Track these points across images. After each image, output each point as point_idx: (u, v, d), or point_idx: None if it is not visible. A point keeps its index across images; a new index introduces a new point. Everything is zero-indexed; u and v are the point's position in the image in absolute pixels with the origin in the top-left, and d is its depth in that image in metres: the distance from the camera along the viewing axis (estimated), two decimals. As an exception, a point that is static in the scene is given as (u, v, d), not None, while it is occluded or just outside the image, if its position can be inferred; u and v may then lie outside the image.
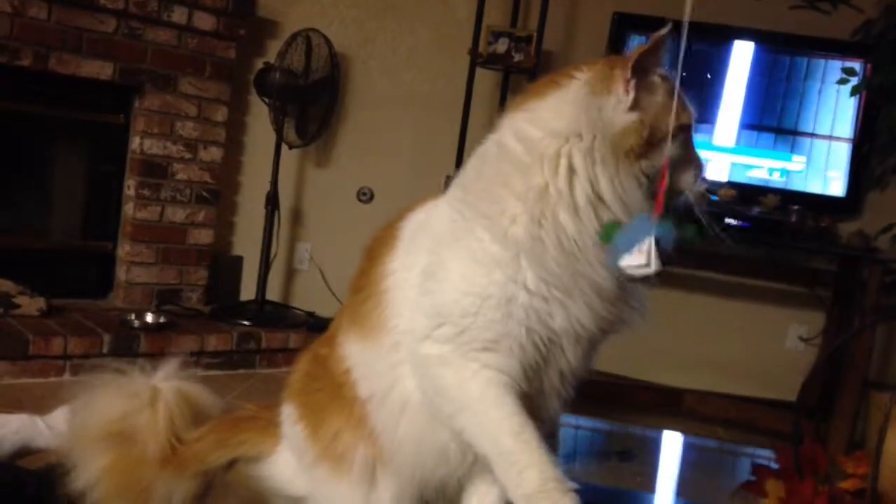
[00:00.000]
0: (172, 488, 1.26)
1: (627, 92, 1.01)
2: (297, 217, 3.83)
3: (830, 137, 3.58)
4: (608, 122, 1.00)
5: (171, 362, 1.36)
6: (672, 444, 1.96)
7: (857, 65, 3.41)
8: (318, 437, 1.16)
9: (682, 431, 2.13)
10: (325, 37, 3.50)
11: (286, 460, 1.23)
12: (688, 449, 1.94)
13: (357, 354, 1.11)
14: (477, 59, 3.55)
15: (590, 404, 3.12)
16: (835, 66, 3.52)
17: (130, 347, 2.97)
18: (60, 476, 1.43)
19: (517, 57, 3.55)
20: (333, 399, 1.13)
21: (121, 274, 3.41)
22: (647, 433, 2.07)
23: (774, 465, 1.27)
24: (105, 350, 2.91)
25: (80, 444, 1.27)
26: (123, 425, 1.27)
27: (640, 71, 1.02)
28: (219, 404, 1.37)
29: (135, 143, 3.36)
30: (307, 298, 3.74)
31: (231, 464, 1.30)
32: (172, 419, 1.28)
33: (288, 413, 1.22)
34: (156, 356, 3.02)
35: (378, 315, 1.08)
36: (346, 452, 1.12)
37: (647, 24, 3.69)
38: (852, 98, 3.45)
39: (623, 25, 3.67)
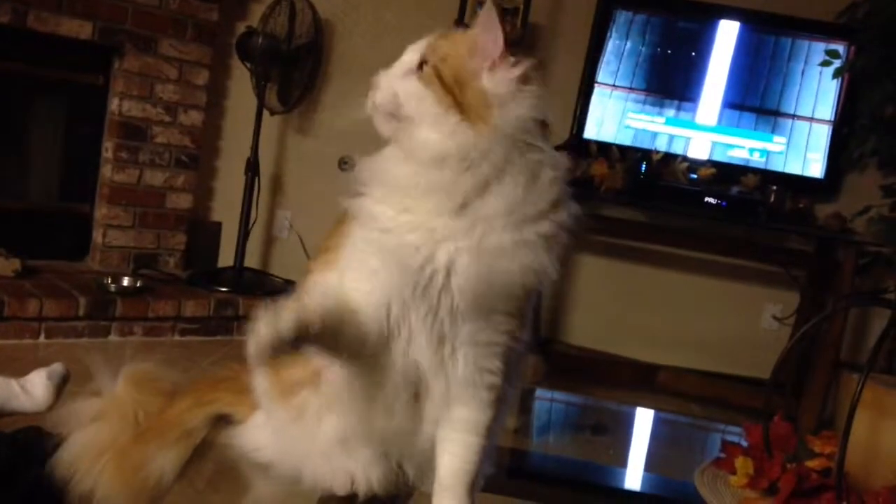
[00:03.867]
0: (163, 462, 1.26)
1: None
2: (277, 184, 3.80)
3: (811, 119, 3.60)
4: None
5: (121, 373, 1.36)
6: (645, 419, 1.98)
7: (840, 47, 3.42)
8: (277, 380, 1.18)
9: (657, 407, 2.16)
10: (309, 2, 3.46)
11: (259, 425, 1.24)
12: (660, 424, 1.97)
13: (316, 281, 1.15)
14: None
15: (565, 378, 3.16)
16: (818, 48, 3.53)
17: (106, 311, 2.95)
18: (35, 440, 1.43)
19: (503, 28, 3.52)
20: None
21: (97, 237, 3.37)
22: (621, 408, 2.10)
23: (744, 443, 1.29)
24: (80, 313, 2.89)
25: (85, 477, 1.26)
26: (103, 439, 1.27)
27: None
28: (170, 372, 1.39)
29: (114, 104, 3.31)
30: (286, 266, 3.73)
31: (214, 424, 1.30)
32: (138, 403, 1.30)
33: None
34: (132, 320, 3.02)
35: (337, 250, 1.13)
36: (299, 390, 1.15)
37: (633, 0, 3.68)
38: (834, 80, 3.47)
39: (610, 0, 3.66)
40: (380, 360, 1.05)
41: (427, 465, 1.16)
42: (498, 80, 1.01)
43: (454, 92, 1.00)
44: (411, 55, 1.07)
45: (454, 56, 1.04)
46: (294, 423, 1.15)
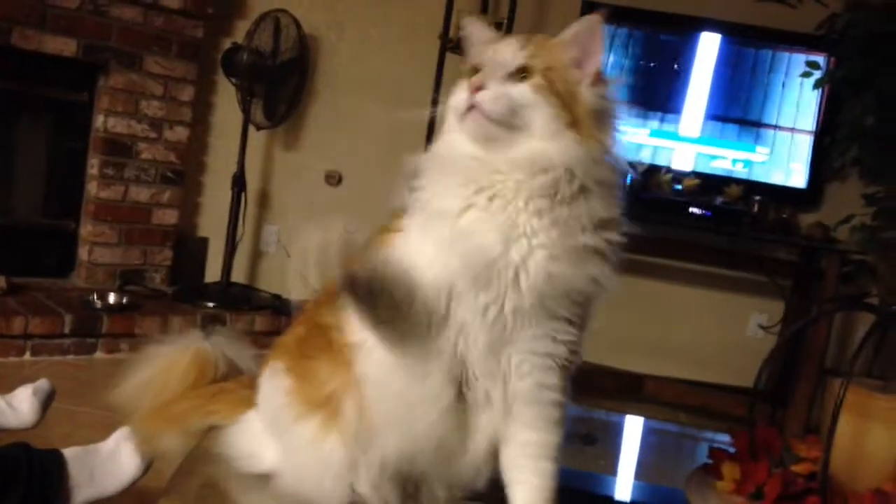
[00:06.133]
0: (171, 441, 1.31)
1: None
2: (264, 199, 3.80)
3: (793, 130, 3.64)
4: None
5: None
6: (634, 429, 1.99)
7: (820, 58, 3.47)
8: (305, 386, 1.12)
9: (644, 416, 2.17)
10: (294, 18, 3.48)
11: (256, 432, 1.22)
12: (649, 433, 1.97)
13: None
14: (447, 44, 3.55)
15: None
16: (799, 60, 3.57)
17: (93, 328, 2.94)
18: (21, 456, 1.43)
19: (487, 43, 3.55)
20: (327, 349, 1.11)
21: (83, 253, 3.36)
22: (610, 417, 2.10)
23: (732, 450, 1.30)
24: (66, 330, 2.88)
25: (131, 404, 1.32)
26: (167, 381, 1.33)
27: None
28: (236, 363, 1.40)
29: (99, 121, 3.31)
30: (274, 281, 3.73)
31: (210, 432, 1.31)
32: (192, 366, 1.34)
33: (274, 368, 1.18)
34: (118, 337, 3.01)
35: None
36: (336, 403, 1.08)
37: (615, 14, 3.70)
38: (815, 91, 3.51)
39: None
40: (426, 346, 1.00)
41: (461, 485, 1.10)
42: (596, 95, 1.00)
43: (570, 106, 0.98)
44: (508, 58, 1.00)
45: (559, 68, 1.00)
46: (304, 445, 1.10)
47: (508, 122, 0.98)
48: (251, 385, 1.26)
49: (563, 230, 0.98)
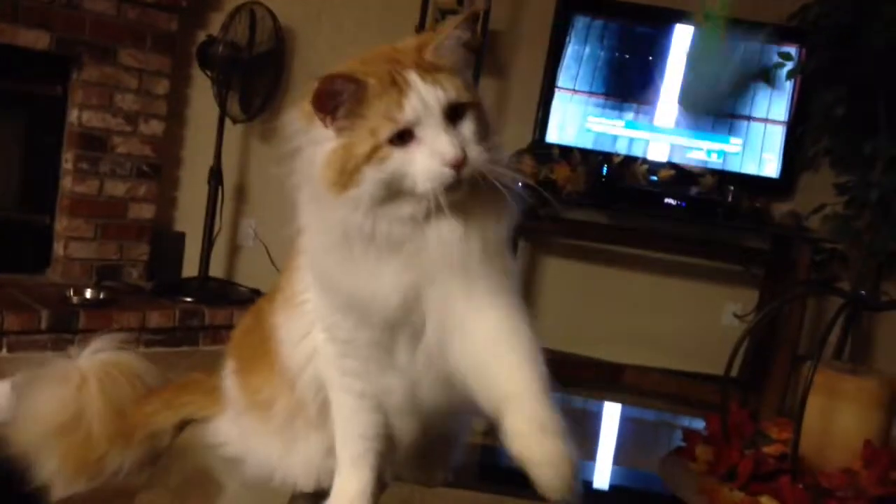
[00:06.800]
0: (122, 459, 1.27)
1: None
2: (241, 193, 3.79)
3: (766, 120, 3.69)
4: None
5: (96, 340, 1.35)
6: (611, 416, 2.02)
7: (792, 49, 3.51)
8: (246, 386, 1.17)
9: (622, 405, 2.20)
10: (269, 10, 3.46)
11: (228, 420, 1.24)
12: (626, 420, 2.00)
13: (281, 324, 1.11)
14: (423, 37, 3.55)
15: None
16: (771, 51, 3.61)
17: (69, 324, 2.92)
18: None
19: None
20: (263, 349, 1.14)
21: (59, 249, 3.34)
22: (588, 406, 2.13)
23: (705, 433, 1.33)
24: (43, 326, 2.86)
25: (30, 445, 1.26)
26: (64, 414, 1.26)
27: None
28: (153, 371, 1.38)
29: (73, 115, 3.28)
30: (252, 275, 3.72)
31: (181, 428, 1.30)
32: (106, 393, 1.28)
33: (227, 366, 1.22)
34: (95, 332, 2.98)
35: (293, 287, 1.09)
36: (269, 402, 1.13)
37: (591, 6, 3.74)
38: (787, 82, 3.56)
39: (568, 6, 3.71)
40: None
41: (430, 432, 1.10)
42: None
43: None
44: (434, 103, 0.90)
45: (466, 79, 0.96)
46: (268, 433, 1.14)
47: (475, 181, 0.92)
48: (217, 376, 1.27)
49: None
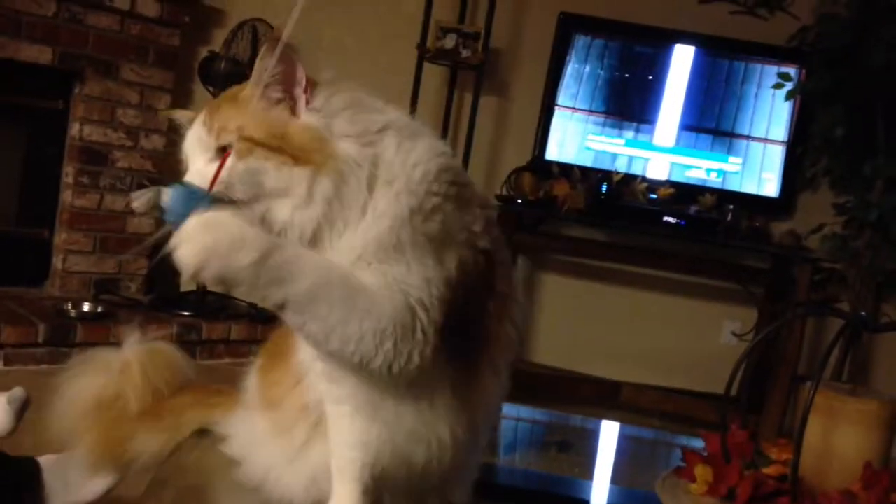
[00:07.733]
0: (146, 445, 1.28)
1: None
2: (240, 208, 3.79)
3: (765, 140, 3.70)
4: None
5: (137, 334, 1.40)
6: (609, 435, 2.01)
7: (792, 70, 3.52)
8: (263, 381, 1.18)
9: (620, 423, 2.19)
10: (271, 27, 3.48)
11: (241, 416, 1.24)
12: (624, 439, 1.99)
13: None
14: (425, 55, 3.57)
15: (531, 396, 3.18)
16: (771, 71, 3.63)
17: (67, 337, 2.91)
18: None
19: (465, 53, 3.58)
20: (286, 345, 1.14)
21: (57, 262, 3.33)
22: (586, 424, 2.12)
23: (704, 453, 1.32)
24: (40, 339, 2.85)
25: (67, 426, 1.29)
26: (104, 394, 1.29)
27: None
28: (192, 365, 1.40)
29: (74, 129, 3.29)
30: (250, 290, 3.71)
31: (201, 432, 1.31)
32: (147, 375, 1.31)
33: (255, 363, 1.24)
34: (93, 346, 2.97)
35: None
36: (279, 399, 1.14)
37: (591, 25, 3.76)
38: (787, 102, 3.57)
39: (568, 25, 3.73)
40: None
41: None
42: (316, 113, 1.01)
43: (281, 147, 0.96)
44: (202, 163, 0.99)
45: (254, 118, 0.99)
46: (272, 435, 1.14)
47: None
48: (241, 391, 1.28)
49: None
